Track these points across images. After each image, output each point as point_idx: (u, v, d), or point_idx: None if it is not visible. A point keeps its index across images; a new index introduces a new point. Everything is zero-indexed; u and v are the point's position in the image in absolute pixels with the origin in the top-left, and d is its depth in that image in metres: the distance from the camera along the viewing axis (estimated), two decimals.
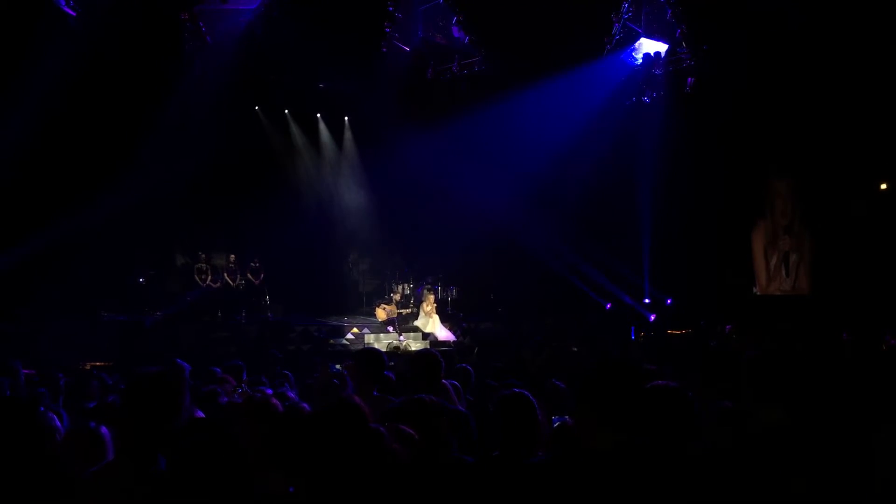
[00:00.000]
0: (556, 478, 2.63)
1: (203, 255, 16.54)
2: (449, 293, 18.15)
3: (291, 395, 5.22)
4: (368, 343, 14.33)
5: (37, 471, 2.38)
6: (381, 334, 15.38)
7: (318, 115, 18.62)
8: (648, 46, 15.67)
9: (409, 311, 16.71)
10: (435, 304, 16.13)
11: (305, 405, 3.74)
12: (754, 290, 16.93)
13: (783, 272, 15.38)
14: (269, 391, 5.14)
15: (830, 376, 3.02)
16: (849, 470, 2.52)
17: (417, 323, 15.83)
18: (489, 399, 4.45)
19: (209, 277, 16.41)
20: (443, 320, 16.07)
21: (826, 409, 2.73)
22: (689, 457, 2.68)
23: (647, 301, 16.80)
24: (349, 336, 15.42)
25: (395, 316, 16.20)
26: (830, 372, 3.09)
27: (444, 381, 4.82)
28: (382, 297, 17.49)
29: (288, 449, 2.72)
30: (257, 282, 16.89)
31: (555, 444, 3.53)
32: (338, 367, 6.63)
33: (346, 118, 18.78)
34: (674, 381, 3.35)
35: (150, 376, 2.80)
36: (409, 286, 17.96)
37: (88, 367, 10.24)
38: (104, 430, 3.38)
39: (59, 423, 4.03)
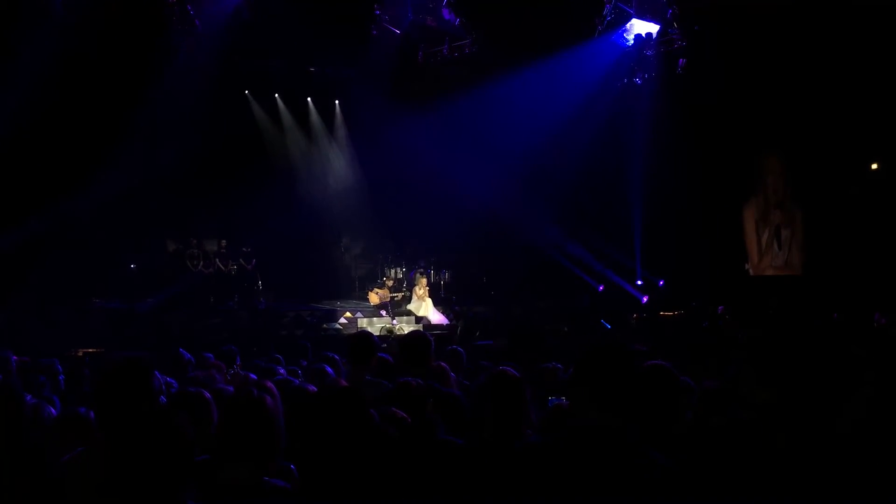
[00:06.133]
0: (548, 459, 2.64)
1: (195, 241, 16.51)
2: (441, 277, 18.18)
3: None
4: (361, 327, 14.36)
5: (15, 459, 2.36)
6: (374, 318, 15.39)
7: (308, 98, 18.52)
8: (640, 27, 15.55)
9: (401, 295, 16.72)
10: (427, 288, 16.15)
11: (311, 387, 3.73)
12: (746, 267, 16.91)
13: (775, 246, 15.32)
14: (254, 377, 5.14)
15: (820, 356, 3.03)
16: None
17: (410, 307, 15.84)
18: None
19: (201, 263, 16.39)
20: (435, 304, 16.09)
21: (813, 387, 2.74)
22: (677, 436, 2.69)
23: (639, 283, 16.82)
24: (342, 320, 15.40)
25: (388, 300, 16.21)
26: (820, 352, 3.10)
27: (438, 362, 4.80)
28: (375, 281, 17.50)
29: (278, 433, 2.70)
30: (249, 267, 16.86)
31: (549, 425, 3.53)
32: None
33: (336, 102, 18.69)
34: (665, 362, 3.37)
35: (117, 363, 2.80)
36: (401, 270, 17.98)
37: (80, 354, 10.22)
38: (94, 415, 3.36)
39: (53, 410, 4.03)
